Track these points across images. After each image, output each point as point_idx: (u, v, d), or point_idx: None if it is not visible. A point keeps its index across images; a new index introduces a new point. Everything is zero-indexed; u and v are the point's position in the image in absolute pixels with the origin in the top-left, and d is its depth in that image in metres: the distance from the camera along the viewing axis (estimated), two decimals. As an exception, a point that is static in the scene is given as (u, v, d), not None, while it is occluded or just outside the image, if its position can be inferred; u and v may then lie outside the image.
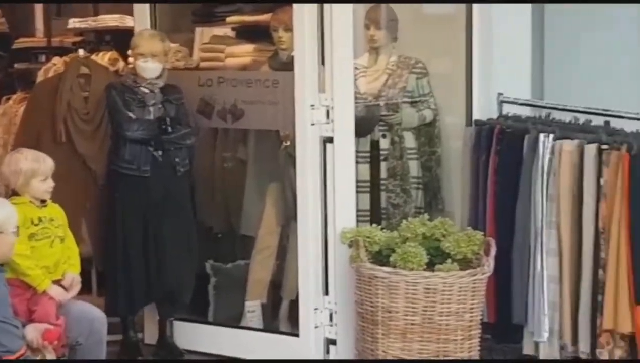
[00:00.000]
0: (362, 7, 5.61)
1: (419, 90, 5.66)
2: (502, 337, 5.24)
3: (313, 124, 4.99)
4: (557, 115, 5.34)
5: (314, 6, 4.93)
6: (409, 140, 5.65)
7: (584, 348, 4.83)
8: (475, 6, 5.42)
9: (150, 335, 5.53)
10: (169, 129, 5.16)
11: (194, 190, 5.45)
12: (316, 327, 5.09)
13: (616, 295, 4.72)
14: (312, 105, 4.98)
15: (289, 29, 5.25)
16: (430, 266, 4.70)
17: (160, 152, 5.18)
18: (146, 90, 5.20)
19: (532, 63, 5.98)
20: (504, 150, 5.18)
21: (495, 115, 5.45)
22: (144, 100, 5.18)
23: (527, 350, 5.05)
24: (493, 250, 4.80)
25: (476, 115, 5.50)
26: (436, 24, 6.00)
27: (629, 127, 4.99)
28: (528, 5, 5.66)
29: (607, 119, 5.08)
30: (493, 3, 5.44)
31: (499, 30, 5.49)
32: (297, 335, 5.16)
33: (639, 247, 4.70)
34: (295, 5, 5.00)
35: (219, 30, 5.99)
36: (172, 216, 5.23)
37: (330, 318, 5.09)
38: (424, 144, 5.75)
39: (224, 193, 5.93)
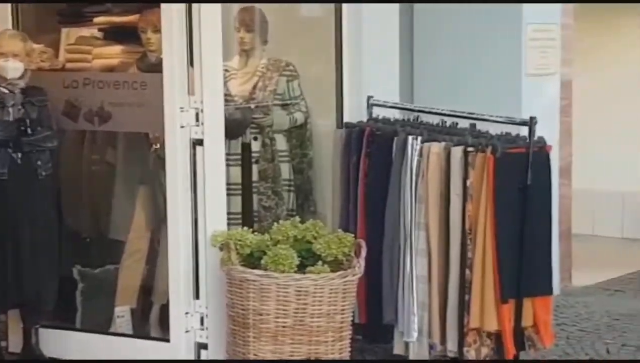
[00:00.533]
0: (233, 9, 5.59)
1: (290, 93, 5.67)
2: (373, 337, 5.29)
3: (182, 127, 4.93)
4: (425, 118, 5.42)
5: (182, 7, 4.87)
6: (281, 143, 5.66)
7: (451, 347, 4.92)
8: (345, 9, 5.47)
9: (14, 343, 5.38)
10: (29, 130, 5.03)
11: (60, 194, 5.31)
12: (187, 331, 5.03)
13: (482, 294, 4.83)
14: (182, 108, 4.92)
15: (157, 30, 5.18)
16: (301, 268, 4.70)
17: (19, 155, 5.04)
18: (5, 91, 5.06)
19: (402, 66, 6.06)
20: (373, 152, 5.23)
21: (365, 118, 5.50)
22: (3, 101, 5.04)
23: (398, 350, 5.11)
24: (363, 252, 4.84)
25: (347, 118, 5.55)
26: (307, 27, 6.03)
27: (494, 129, 5.10)
28: (396, 9, 5.73)
29: (473, 121, 5.18)
30: (362, 3, 5.48)
31: (368, 34, 5.55)
32: (167, 340, 5.09)
33: (504, 247, 4.82)
34: (163, 6, 4.93)
35: (86, 31, 5.87)
36: (33, 220, 5.08)
37: (202, 323, 5.03)
38: (296, 146, 5.78)
39: (92, 197, 5.80)
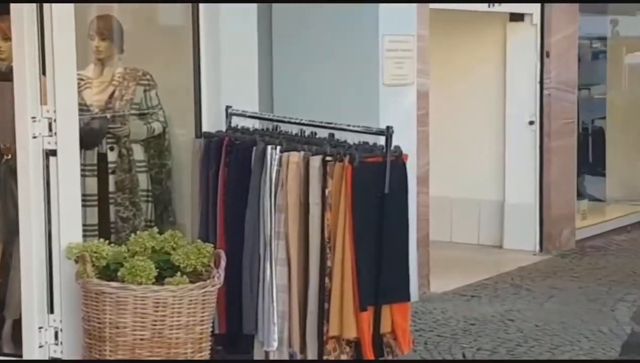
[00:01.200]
0: (87, 17, 5.49)
1: (147, 103, 5.61)
2: (233, 347, 5.27)
3: (35, 137, 4.80)
4: (284, 128, 5.44)
5: (33, 12, 4.74)
6: (138, 153, 5.59)
7: (311, 355, 4.94)
8: (202, 17, 5.44)
9: None
10: None
11: None
12: (40, 346, 4.89)
13: (341, 302, 4.87)
14: (34, 118, 4.79)
15: (7, 38, 5.05)
16: (159, 280, 4.64)
17: None
18: None
19: (262, 76, 6.07)
20: (232, 162, 5.21)
21: (224, 128, 5.48)
22: None
23: (258, 359, 5.10)
24: (223, 262, 4.81)
25: (205, 128, 5.52)
26: (165, 36, 5.98)
27: (352, 139, 5.15)
28: (254, 18, 5.73)
29: (332, 131, 5.22)
30: (220, 13, 5.46)
31: (226, 43, 5.53)
32: (20, 356, 4.94)
33: (363, 255, 4.87)
34: (13, 10, 4.79)
35: None
36: None
37: (56, 337, 4.90)
38: (154, 156, 5.71)
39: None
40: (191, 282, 4.66)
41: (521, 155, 8.63)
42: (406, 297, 5.11)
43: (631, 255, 8.52)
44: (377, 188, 4.90)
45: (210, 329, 4.79)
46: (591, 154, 10.62)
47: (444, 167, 8.46)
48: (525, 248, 8.59)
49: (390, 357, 5.14)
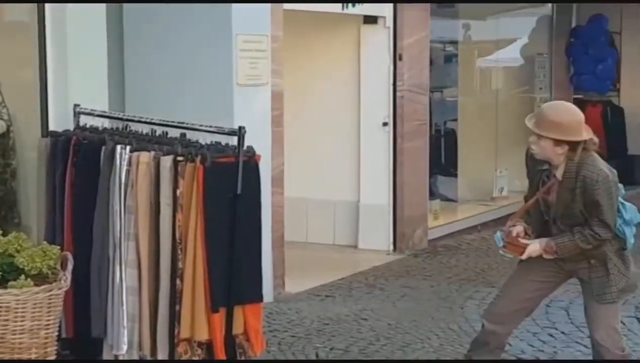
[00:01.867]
0: None
1: (-10, 101, 5.44)
2: (81, 352, 5.15)
3: None
4: (136, 127, 5.34)
5: None
6: (-19, 152, 5.41)
7: (162, 357, 4.86)
8: (48, 15, 5.29)
9: None
10: None
11: None
12: None
13: (193, 304, 4.81)
14: None
15: None
16: (2, 283, 4.50)
17: None
18: None
19: (114, 75, 5.95)
20: (80, 162, 5.10)
21: (72, 127, 5.34)
22: None
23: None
24: (70, 264, 4.70)
25: (52, 127, 5.38)
26: (10, 33, 5.79)
27: (205, 139, 5.10)
28: (103, 15, 5.61)
29: (184, 131, 5.16)
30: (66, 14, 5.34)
31: (74, 40, 5.40)
32: None
33: (215, 256, 4.83)
34: None
35: None
36: None
37: None
38: (-2, 156, 5.54)
39: None
40: (36, 285, 4.55)
41: (375, 156, 8.74)
42: (259, 298, 5.09)
43: (481, 254, 8.74)
44: (230, 188, 4.86)
45: (57, 333, 4.67)
46: (443, 155, 10.83)
47: (300, 168, 8.49)
48: (380, 248, 8.70)
49: (242, 358, 5.11)
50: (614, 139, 12.34)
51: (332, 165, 8.96)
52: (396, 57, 8.58)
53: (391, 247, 8.73)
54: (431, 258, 8.55)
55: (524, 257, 4.78)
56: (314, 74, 8.89)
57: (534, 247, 4.74)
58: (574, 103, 11.68)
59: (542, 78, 11.62)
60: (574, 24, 12.08)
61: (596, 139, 4.71)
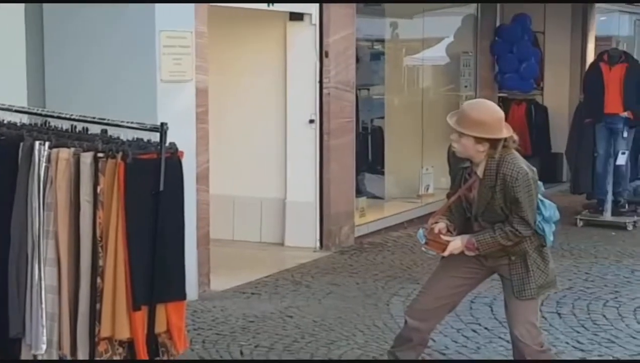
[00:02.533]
0: None
1: None
2: (-1, 352, 5.04)
3: None
4: (55, 123, 5.25)
5: None
6: None
7: (82, 357, 4.78)
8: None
9: None
10: None
11: None
12: None
13: (114, 302, 4.74)
14: None
15: None
16: None
17: None
18: None
19: (33, 71, 5.86)
20: (-3, 158, 4.99)
21: (-12, 122, 5.23)
22: None
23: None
24: (-13, 263, 4.60)
25: (-32, 122, 5.24)
26: None
27: (127, 135, 5.04)
28: (22, 10, 5.52)
29: (105, 127, 5.08)
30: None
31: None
32: None
33: (136, 254, 4.76)
34: None
35: None
36: None
37: None
38: None
39: None
40: (-48, 284, 4.44)
41: (302, 153, 8.75)
42: (182, 295, 5.04)
43: (407, 251, 8.81)
44: (152, 185, 4.80)
45: (-27, 333, 4.58)
46: (370, 152, 10.89)
47: (226, 165, 8.47)
48: (306, 245, 8.71)
49: (165, 357, 5.06)
50: (537, 136, 12.56)
51: (259, 162, 8.95)
52: (322, 54, 8.60)
53: (318, 244, 8.74)
54: (357, 256, 8.58)
55: (445, 253, 4.81)
56: (241, 70, 8.87)
57: (456, 243, 4.78)
58: (499, 101, 11.99)
59: (468, 76, 11.75)
60: (498, 23, 12.23)
61: (516, 137, 4.77)
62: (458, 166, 4.84)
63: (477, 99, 5.35)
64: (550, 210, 4.83)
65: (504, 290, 4.95)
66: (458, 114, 4.75)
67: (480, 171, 4.73)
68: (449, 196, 4.97)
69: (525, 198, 4.65)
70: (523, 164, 4.70)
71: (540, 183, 4.80)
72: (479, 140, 4.65)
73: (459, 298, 5.07)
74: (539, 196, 4.79)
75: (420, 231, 4.89)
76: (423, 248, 4.94)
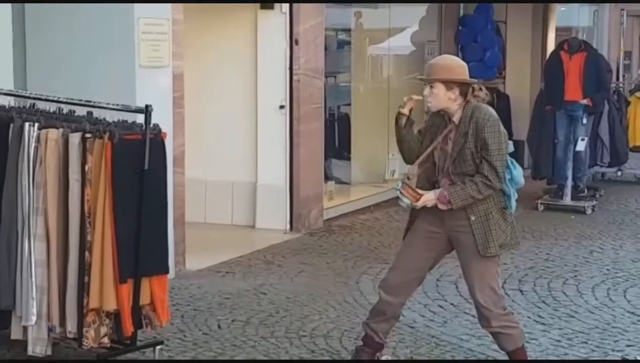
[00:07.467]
0: None
1: None
2: (-10, 323, 5.24)
3: None
4: (42, 106, 5.45)
5: None
6: None
7: (71, 328, 5.02)
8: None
9: None
10: None
11: None
12: None
13: (101, 275, 4.97)
14: None
15: None
16: None
17: None
18: None
19: (16, 54, 6.02)
20: (-12, 139, 5.18)
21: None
22: None
23: (15, 334, 5.14)
24: (-21, 238, 4.79)
25: (-47, 104, 5.43)
26: None
27: (111, 117, 5.25)
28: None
29: (90, 109, 5.30)
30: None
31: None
32: None
33: (122, 229, 5.00)
34: None
35: None
36: None
37: None
38: None
39: None
40: (-53, 258, 4.63)
41: (272, 138, 8.96)
42: (165, 269, 5.29)
43: (374, 233, 9.06)
44: (137, 164, 5.04)
45: (-35, 305, 4.77)
46: (337, 139, 11.13)
47: (199, 149, 8.67)
48: (277, 227, 8.93)
49: (149, 329, 5.31)
50: (499, 124, 12.82)
51: (230, 146, 9.16)
52: (292, 42, 8.81)
53: (288, 227, 8.96)
54: (327, 237, 8.82)
55: (419, 204, 5.00)
56: (214, 57, 9.06)
57: (429, 196, 5.00)
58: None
59: (432, 65, 11.97)
60: (461, 13, 12.50)
61: (485, 90, 5.05)
62: (434, 121, 5.09)
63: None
64: (518, 173, 5.03)
65: (461, 259, 5.09)
66: (426, 70, 5.05)
67: (456, 119, 4.99)
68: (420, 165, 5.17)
69: (494, 143, 4.86)
70: (494, 113, 4.97)
71: (510, 142, 5.02)
72: (448, 86, 4.93)
73: (425, 272, 5.26)
74: (510, 159, 5.01)
75: (399, 183, 5.12)
76: (398, 194, 5.09)
